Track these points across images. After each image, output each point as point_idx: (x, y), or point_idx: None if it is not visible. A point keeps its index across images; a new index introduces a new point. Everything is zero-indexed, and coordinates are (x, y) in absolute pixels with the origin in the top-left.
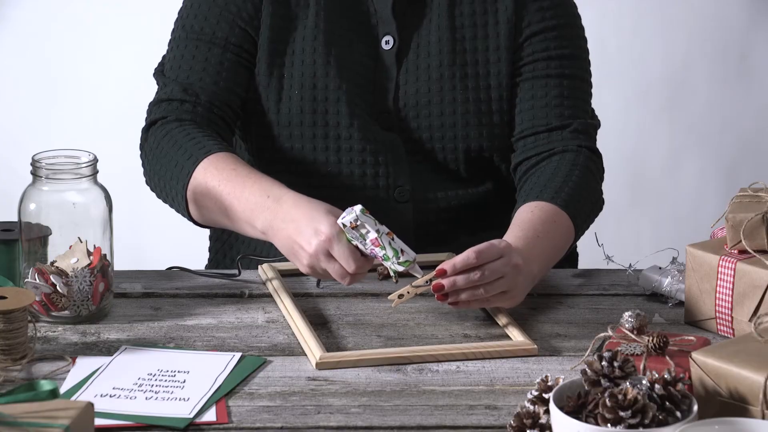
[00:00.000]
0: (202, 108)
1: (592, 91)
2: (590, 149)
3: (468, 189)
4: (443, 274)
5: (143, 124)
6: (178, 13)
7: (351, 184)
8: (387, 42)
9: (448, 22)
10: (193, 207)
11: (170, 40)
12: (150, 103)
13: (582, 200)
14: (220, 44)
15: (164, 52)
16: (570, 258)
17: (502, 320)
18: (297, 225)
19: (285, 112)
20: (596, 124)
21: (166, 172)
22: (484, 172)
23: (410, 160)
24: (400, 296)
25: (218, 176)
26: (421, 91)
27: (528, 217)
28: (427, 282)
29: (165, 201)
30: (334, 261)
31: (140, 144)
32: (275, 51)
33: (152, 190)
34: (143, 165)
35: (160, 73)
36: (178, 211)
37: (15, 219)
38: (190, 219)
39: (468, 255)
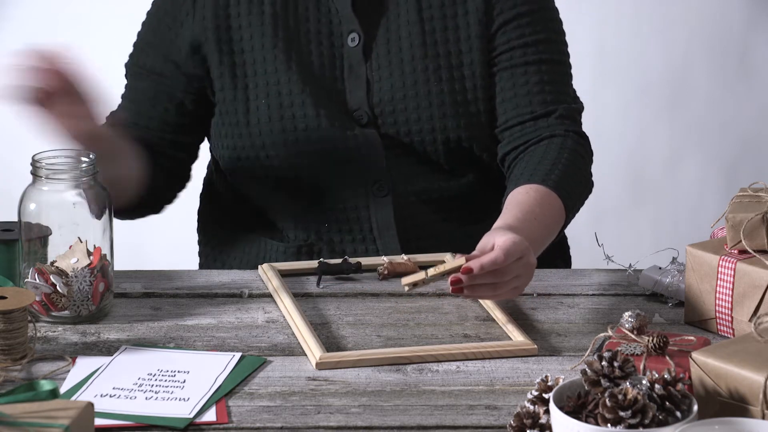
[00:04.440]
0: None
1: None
2: (577, 133)
3: (450, 181)
4: (470, 272)
5: None
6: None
7: (328, 186)
8: (353, 39)
9: (417, 16)
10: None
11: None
12: None
13: (572, 182)
14: (156, 73)
15: None
16: (563, 255)
17: (502, 320)
18: None
19: (254, 123)
20: (580, 108)
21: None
22: (465, 163)
23: (389, 154)
24: (415, 284)
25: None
26: (395, 86)
27: (525, 199)
28: (443, 275)
29: (122, 206)
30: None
31: None
32: (234, 64)
33: (120, 212)
34: None
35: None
36: (124, 205)
37: (15, 219)
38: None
39: (497, 256)
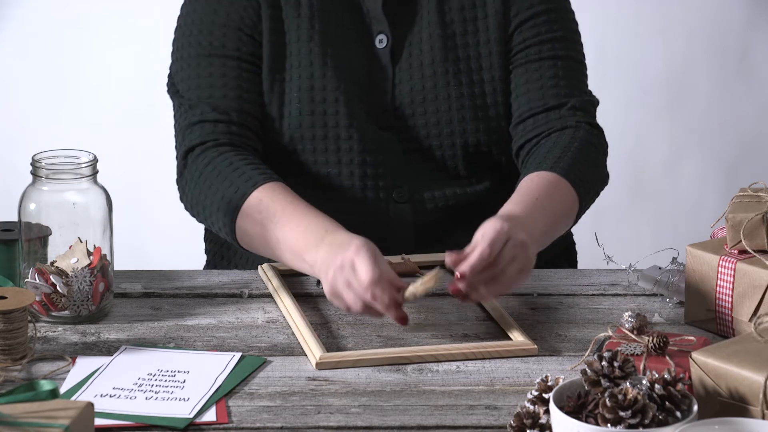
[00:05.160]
0: (236, 126)
1: (588, 73)
2: (590, 124)
3: (467, 188)
4: (464, 277)
5: (173, 144)
6: (178, 30)
7: (352, 185)
8: (381, 41)
9: (438, 18)
10: (242, 238)
11: (178, 57)
12: (180, 127)
13: (582, 169)
14: (233, 56)
15: (163, 52)
16: (569, 257)
17: (502, 320)
18: (335, 248)
19: (287, 116)
20: (594, 101)
21: (212, 204)
22: (483, 168)
23: (408, 159)
24: (405, 299)
25: (272, 208)
26: (415, 89)
27: (527, 185)
28: (443, 285)
29: (208, 227)
30: (354, 275)
31: (178, 170)
32: (275, 55)
33: (192, 215)
34: (183, 192)
35: (176, 93)
36: (222, 236)
37: (15, 219)
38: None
39: (483, 252)
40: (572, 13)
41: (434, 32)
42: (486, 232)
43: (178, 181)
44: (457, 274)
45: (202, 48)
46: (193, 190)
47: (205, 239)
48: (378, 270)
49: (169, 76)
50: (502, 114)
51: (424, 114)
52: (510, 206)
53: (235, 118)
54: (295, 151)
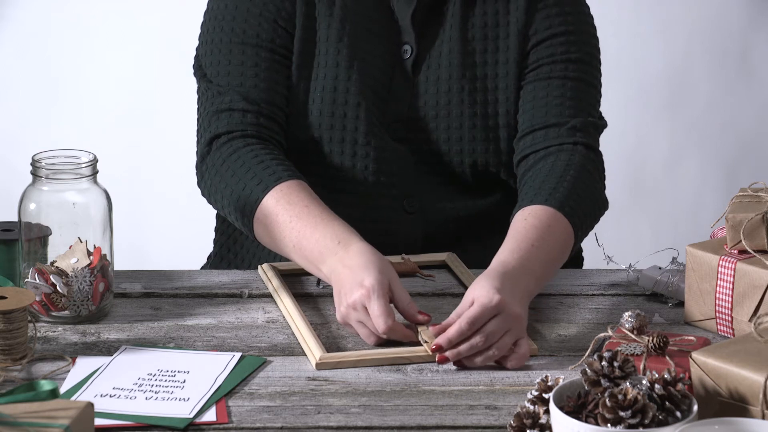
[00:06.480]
0: (264, 118)
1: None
2: (587, 146)
3: (476, 200)
4: (440, 349)
5: (195, 128)
6: (210, 13)
7: (365, 191)
8: (405, 51)
9: (460, 34)
10: (258, 232)
11: (208, 40)
12: (207, 112)
13: (578, 199)
14: (267, 47)
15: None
16: (575, 260)
17: None
18: (349, 273)
19: (308, 114)
20: (599, 124)
21: (233, 194)
22: (491, 184)
23: (418, 171)
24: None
25: (290, 211)
26: (429, 104)
27: (521, 226)
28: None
29: (223, 215)
30: (367, 317)
31: (200, 155)
32: (304, 51)
33: (210, 203)
34: (201, 178)
35: (203, 76)
36: (237, 226)
37: (15, 219)
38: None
39: (460, 325)
40: (595, 38)
41: (455, 47)
42: (471, 309)
43: (197, 166)
44: (433, 346)
45: (236, 35)
46: (214, 177)
47: (216, 230)
48: (391, 319)
49: (196, 57)
50: (514, 136)
51: (436, 129)
52: (506, 255)
53: (264, 110)
54: (311, 150)
